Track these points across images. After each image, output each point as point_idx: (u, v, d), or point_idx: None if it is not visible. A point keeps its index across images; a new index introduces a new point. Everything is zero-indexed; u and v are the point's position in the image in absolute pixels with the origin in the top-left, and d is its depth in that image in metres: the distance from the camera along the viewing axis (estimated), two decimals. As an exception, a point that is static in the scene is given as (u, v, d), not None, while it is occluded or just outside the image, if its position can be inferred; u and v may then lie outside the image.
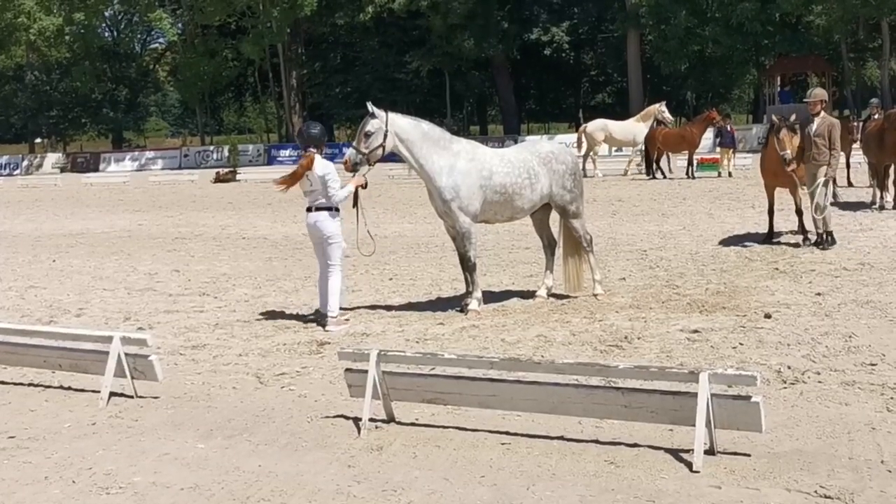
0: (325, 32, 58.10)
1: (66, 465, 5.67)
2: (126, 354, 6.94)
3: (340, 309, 9.46)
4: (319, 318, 9.53)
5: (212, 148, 55.83)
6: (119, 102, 64.81)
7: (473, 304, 9.73)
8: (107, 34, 66.74)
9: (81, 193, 35.38)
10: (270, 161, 51.63)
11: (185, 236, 18.43)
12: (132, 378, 7.00)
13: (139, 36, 71.53)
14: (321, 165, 9.38)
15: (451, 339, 8.61)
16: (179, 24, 61.98)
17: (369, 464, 5.52)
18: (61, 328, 8.12)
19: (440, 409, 6.32)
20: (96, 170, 52.38)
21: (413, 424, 6.17)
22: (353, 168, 9.59)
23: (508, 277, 11.89)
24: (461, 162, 9.63)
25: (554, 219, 10.59)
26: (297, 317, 9.95)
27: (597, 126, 31.52)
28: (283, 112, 60.10)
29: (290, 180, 9.50)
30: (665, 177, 27.84)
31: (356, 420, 6.21)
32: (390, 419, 6.21)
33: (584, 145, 31.15)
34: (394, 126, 9.75)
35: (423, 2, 49.04)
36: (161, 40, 74.30)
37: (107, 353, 6.97)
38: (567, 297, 10.29)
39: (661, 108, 29.87)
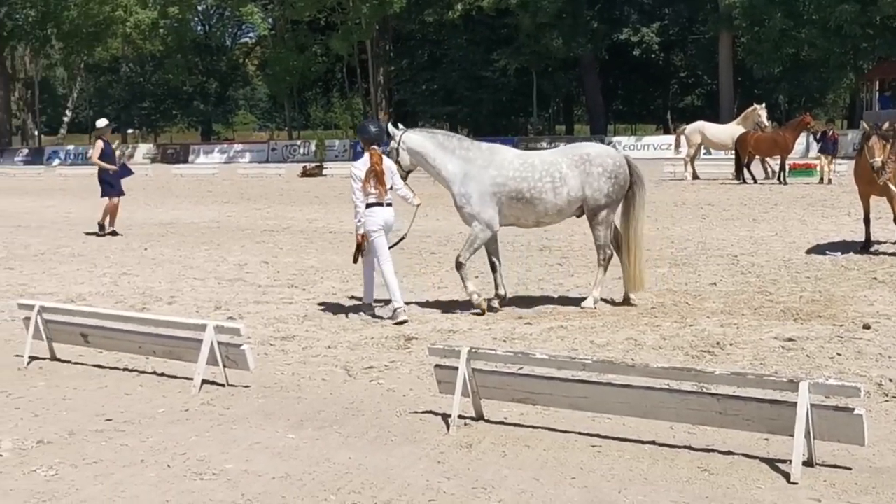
0: (413, 29, 58.41)
1: (160, 449, 5.76)
2: (219, 343, 7.03)
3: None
4: (366, 309, 9.87)
5: (298, 142, 56.50)
6: (209, 95, 65.98)
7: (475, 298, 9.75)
8: (199, 28, 68.00)
9: (171, 184, 36.08)
10: (356, 157, 51.92)
11: (274, 229, 18.64)
12: (224, 366, 7.09)
13: (230, 30, 72.73)
14: (387, 161, 9.79)
15: (539, 338, 8.56)
16: (270, 19, 62.83)
17: (459, 461, 5.51)
18: (157, 315, 8.26)
19: (529, 408, 6.28)
20: (186, 161, 53.36)
21: (502, 423, 6.14)
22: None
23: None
24: (474, 169, 9.73)
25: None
26: (384, 311, 9.97)
27: (694, 128, 31.13)
28: (369, 108, 60.50)
29: (382, 181, 9.61)
30: (756, 181, 27.35)
31: (445, 416, 6.20)
32: (479, 417, 6.19)
33: (683, 147, 30.76)
34: (405, 143, 9.98)
35: (513, 0, 48.95)
36: (251, 35, 75.48)
37: (200, 341, 7.07)
38: (643, 301, 10.16)
39: (759, 112, 29.35)
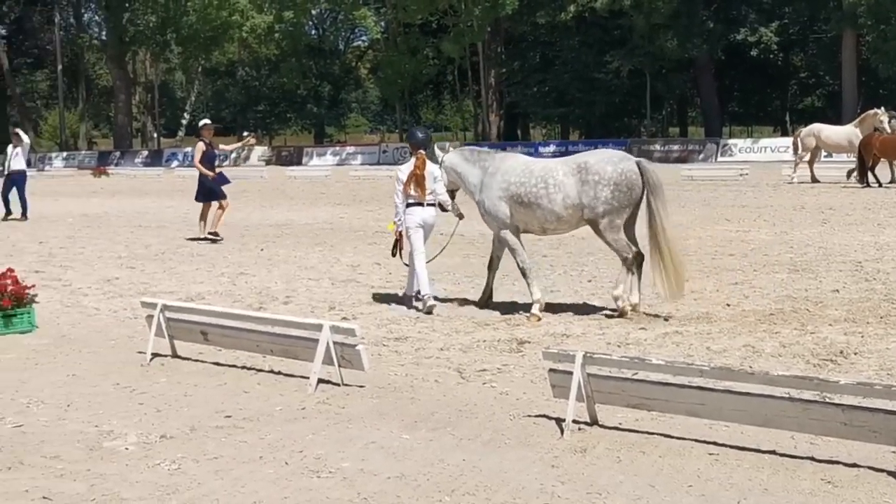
0: (524, 31, 58.28)
1: (278, 446, 5.86)
2: (335, 343, 7.12)
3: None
4: (407, 301, 10.64)
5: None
6: (322, 98, 66.94)
7: (535, 308, 9.78)
8: (312, 32, 69.12)
9: (285, 186, 36.77)
10: (466, 159, 52.12)
11: (386, 231, 18.78)
12: (339, 366, 7.17)
13: (343, 34, 73.71)
14: (431, 166, 10.54)
15: (654, 344, 8.44)
16: (382, 23, 63.51)
17: (573, 465, 5.46)
18: (274, 315, 8.40)
19: (643, 414, 6.19)
20: (299, 163, 54.29)
21: (616, 428, 6.08)
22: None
23: (713, 284, 11.56)
24: (487, 177, 10.18)
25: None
26: (496, 314, 9.97)
27: (809, 131, 30.37)
28: (479, 110, 60.64)
29: (421, 184, 10.46)
30: (881, 185, 26.51)
31: (559, 420, 6.16)
32: (593, 422, 6.13)
33: (800, 150, 30.03)
34: (445, 163, 10.60)
35: (626, 1, 48.51)
36: (363, 38, 76.45)
37: (316, 340, 7.17)
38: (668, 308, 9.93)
39: (880, 118, 28.42)
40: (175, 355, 8.23)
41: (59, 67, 70.54)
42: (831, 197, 24.15)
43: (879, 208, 20.66)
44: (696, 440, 5.79)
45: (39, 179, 46.79)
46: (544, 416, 6.35)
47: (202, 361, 8.10)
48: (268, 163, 55.24)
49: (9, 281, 9.52)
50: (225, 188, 17.97)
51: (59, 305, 10.92)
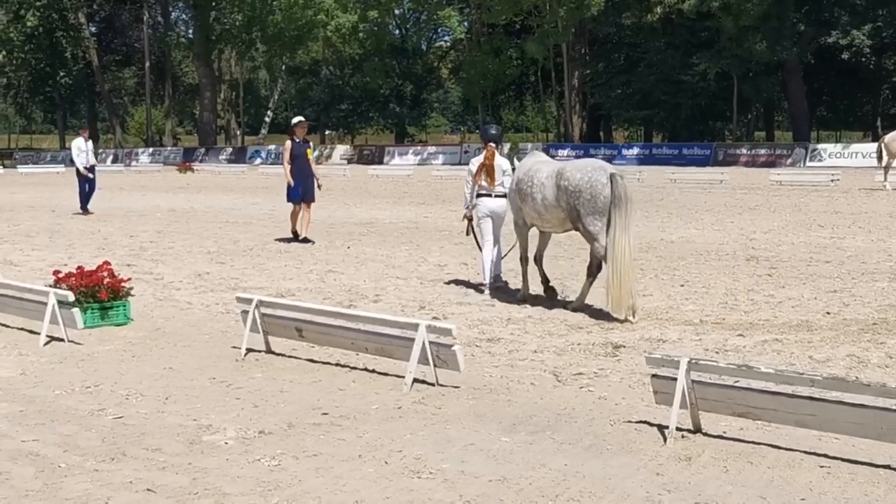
0: (610, 32, 57.80)
1: (377, 445, 5.82)
2: (430, 343, 7.06)
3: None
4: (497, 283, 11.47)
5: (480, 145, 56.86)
6: (405, 98, 67.17)
7: (520, 294, 10.98)
8: (396, 32, 69.43)
9: (368, 184, 36.96)
10: (548, 160, 51.91)
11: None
12: (434, 366, 7.11)
13: (425, 34, 73.89)
14: (500, 159, 11.37)
15: (754, 351, 8.23)
16: (466, 23, 63.52)
17: (678, 473, 5.32)
18: (370, 313, 8.38)
19: (748, 423, 6.02)
20: (381, 162, 54.58)
21: (721, 437, 5.91)
22: None
23: (810, 291, 11.26)
24: (515, 174, 11.01)
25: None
26: (589, 316, 9.84)
27: (893, 137, 29.53)
28: (562, 112, 60.29)
29: (491, 175, 11.26)
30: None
31: (660, 427, 6.03)
32: (697, 430, 5.98)
33: (885, 157, 29.25)
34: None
35: (715, 2, 47.71)
36: (446, 38, 76.57)
37: (412, 339, 7.12)
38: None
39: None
40: (269, 351, 8.25)
41: (147, 65, 71.96)
42: (927, 204, 23.46)
43: (980, 217, 20.02)
44: (806, 452, 5.60)
45: (127, 175, 47.84)
46: (645, 422, 6.22)
47: (296, 358, 8.11)
48: (349, 161, 55.66)
49: (105, 273, 9.66)
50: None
51: (153, 299, 11.05)
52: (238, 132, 72.48)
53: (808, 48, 52.57)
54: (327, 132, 73.71)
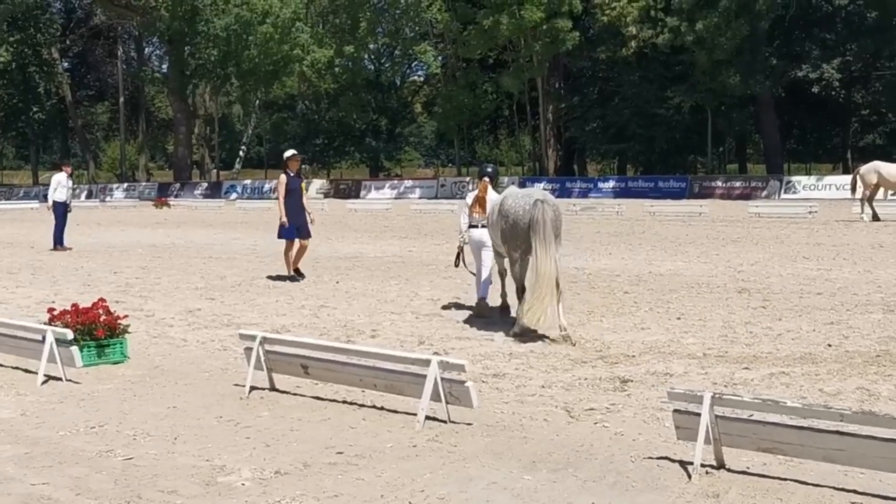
0: (584, 66, 58.21)
1: (398, 485, 5.70)
2: (443, 379, 6.96)
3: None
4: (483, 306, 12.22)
5: (468, 178, 56.90)
6: (380, 132, 67.27)
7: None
8: (370, 66, 69.62)
9: (347, 218, 36.85)
10: (524, 193, 51.98)
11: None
12: (447, 403, 7.01)
13: (399, 69, 74.09)
14: (492, 193, 12.07)
15: (762, 385, 8.19)
16: (441, 57, 63.78)
17: (709, 512, 5.24)
18: (379, 349, 8.27)
19: (770, 458, 5.96)
20: (358, 196, 54.51)
21: (745, 473, 5.84)
22: None
23: (807, 323, 11.25)
24: None
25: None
26: (590, 351, 9.78)
27: (868, 168, 29.87)
28: (537, 146, 60.55)
29: (483, 206, 11.99)
30: (954, 224, 25.94)
31: (682, 463, 5.96)
32: (720, 465, 5.91)
33: (859, 189, 29.54)
34: None
35: (689, 37, 48.17)
36: (420, 73, 76.87)
37: (422, 376, 7.02)
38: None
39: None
40: (273, 388, 8.13)
41: (121, 100, 71.70)
42: (907, 236, 23.63)
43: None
44: (834, 487, 5.54)
45: (103, 210, 47.49)
46: (666, 458, 6.14)
47: (301, 395, 7.98)
48: (326, 195, 55.54)
49: (101, 311, 9.50)
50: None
51: (146, 336, 10.88)
52: (212, 167, 72.23)
53: (779, 82, 53.13)
54: (304, 166, 73.63)
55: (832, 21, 56.13)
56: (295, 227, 16.20)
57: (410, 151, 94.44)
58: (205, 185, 64.83)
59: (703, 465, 5.86)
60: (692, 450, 6.10)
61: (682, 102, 52.03)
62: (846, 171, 61.58)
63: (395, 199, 52.55)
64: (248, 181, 63.10)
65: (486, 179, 12.17)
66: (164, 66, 72.54)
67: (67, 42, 76.22)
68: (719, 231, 26.77)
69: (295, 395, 8.01)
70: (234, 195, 58.61)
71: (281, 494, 5.56)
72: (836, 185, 47.00)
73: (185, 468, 6.07)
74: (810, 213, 32.04)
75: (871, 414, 5.54)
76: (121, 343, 9.46)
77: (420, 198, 52.82)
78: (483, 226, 11.96)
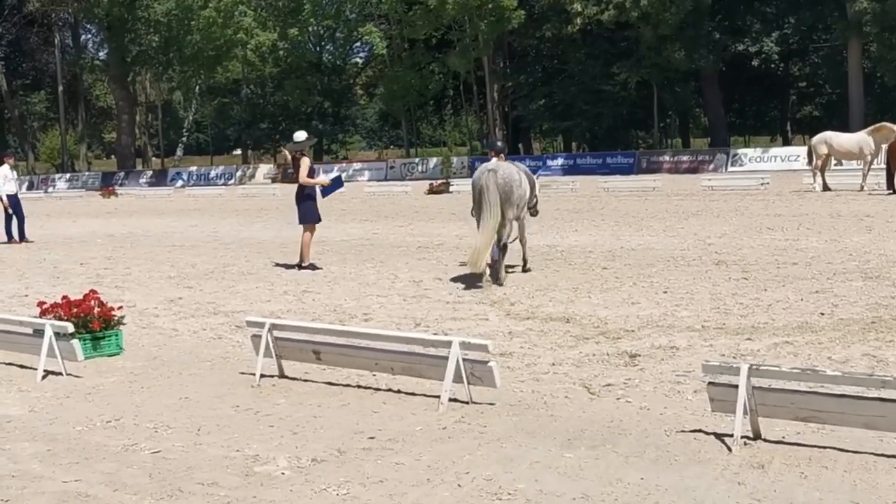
0: (530, 45, 58.22)
1: (440, 468, 5.65)
2: (464, 360, 6.92)
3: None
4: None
5: (417, 160, 56.80)
6: (327, 115, 66.74)
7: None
8: (314, 49, 68.92)
9: (302, 203, 36.42)
10: (472, 172, 51.97)
11: (427, 245, 18.63)
12: (468, 384, 6.97)
13: (343, 51, 73.45)
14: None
15: (770, 355, 8.25)
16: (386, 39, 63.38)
17: (759, 482, 5.26)
18: (396, 332, 8.20)
19: (803, 427, 6.02)
20: (307, 180, 53.95)
21: (782, 442, 5.88)
22: None
23: (793, 293, 11.37)
24: None
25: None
26: (588, 327, 9.79)
27: (819, 139, 30.29)
28: (485, 125, 60.54)
29: None
30: (906, 192, 26.41)
31: (717, 435, 6.00)
32: (756, 436, 5.94)
33: (815, 159, 29.95)
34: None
35: (634, 12, 48.40)
36: (361, 55, 76.33)
37: (443, 357, 6.97)
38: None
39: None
40: (282, 375, 8.02)
41: (60, 89, 70.29)
42: (861, 204, 24.02)
43: (920, 215, 20.56)
44: (874, 454, 5.59)
45: (48, 201, 46.61)
46: (700, 430, 6.16)
47: (313, 381, 7.88)
48: (273, 181, 55.00)
49: (93, 302, 9.31)
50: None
51: (135, 327, 10.67)
52: (153, 156, 71.22)
53: (722, 56, 53.62)
54: (250, 151, 72.87)
55: (773, -6, 56.80)
56: (316, 212, 15.75)
57: (353, 134, 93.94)
58: (149, 173, 63.94)
59: (741, 437, 5.88)
60: (724, 422, 6.16)
61: (628, 78, 52.32)
62: (786, 143, 62.62)
63: (347, 182, 52.04)
64: (193, 168, 62.37)
65: (502, 155, 13.85)
66: (102, 54, 71.25)
67: (0, 30, 74.43)
68: (677, 205, 26.98)
69: (306, 381, 7.91)
70: (179, 182, 57.86)
71: (324, 482, 5.48)
72: (780, 156, 47.72)
73: (217, 459, 5.96)
74: (762, 185, 32.43)
75: (913, 380, 5.59)
76: (116, 335, 9.27)
77: (369, 180, 52.52)
78: None
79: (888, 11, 45.25)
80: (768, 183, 32.63)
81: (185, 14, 56.18)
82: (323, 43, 70.68)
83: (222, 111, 68.58)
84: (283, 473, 5.66)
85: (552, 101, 57.24)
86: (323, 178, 16.60)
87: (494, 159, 13.53)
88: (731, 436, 5.90)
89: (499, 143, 15.28)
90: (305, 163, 15.73)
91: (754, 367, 5.80)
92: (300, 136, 16.04)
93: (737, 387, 5.78)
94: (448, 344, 6.97)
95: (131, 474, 5.75)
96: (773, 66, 60.28)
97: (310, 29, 65.04)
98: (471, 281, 13.23)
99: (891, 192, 26.57)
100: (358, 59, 78.19)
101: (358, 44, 71.57)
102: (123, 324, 9.47)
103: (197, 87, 69.27)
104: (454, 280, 13.53)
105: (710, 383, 6.07)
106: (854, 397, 5.62)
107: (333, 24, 64.30)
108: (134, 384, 8.05)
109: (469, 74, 58.24)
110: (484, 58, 56.03)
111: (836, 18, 50.96)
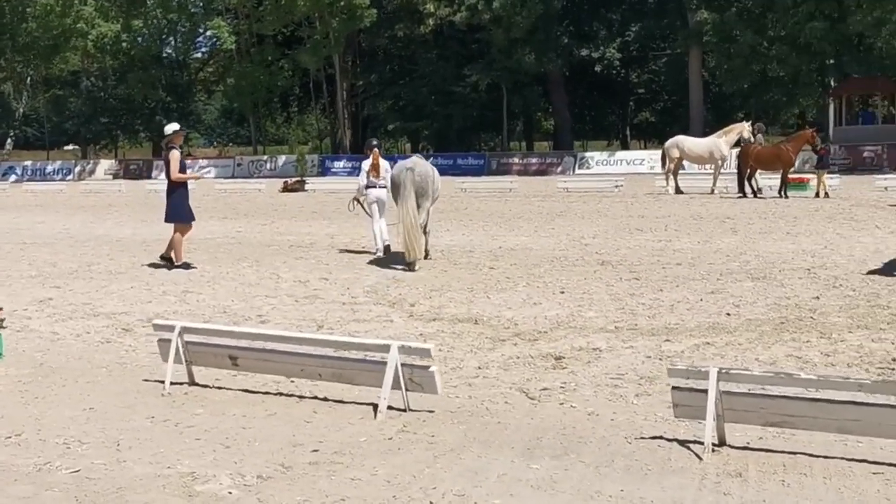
0: (381, 44, 57.89)
1: (402, 483, 5.23)
2: (403, 365, 6.51)
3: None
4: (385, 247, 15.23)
5: (265, 158, 55.60)
6: (171, 111, 64.67)
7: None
8: (158, 42, 66.71)
9: (151, 200, 34.93)
10: (325, 172, 51.30)
11: (300, 244, 18.03)
12: (406, 390, 6.56)
13: (182, 45, 71.37)
14: (383, 161, 15.59)
15: (696, 356, 8.13)
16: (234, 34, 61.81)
17: (743, 491, 5.05)
18: (326, 336, 7.69)
19: (765, 432, 5.87)
20: (150, 177, 52.25)
21: (747, 448, 5.70)
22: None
23: (690, 294, 11.38)
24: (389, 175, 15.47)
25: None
26: (500, 328, 9.50)
27: (671, 143, 31.12)
28: (337, 123, 59.82)
29: (377, 170, 15.38)
30: (755, 195, 27.26)
31: (681, 442, 5.78)
32: (722, 443, 5.74)
33: (668, 162, 30.69)
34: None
35: (486, 15, 48.67)
36: (203, 50, 74.31)
37: (379, 363, 6.55)
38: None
39: (745, 129, 29.52)
40: (193, 383, 7.41)
41: None
42: (717, 207, 24.61)
43: (776, 217, 21.12)
44: (846, 459, 5.47)
45: None
46: (660, 437, 5.93)
47: (228, 389, 7.30)
48: (115, 176, 52.93)
49: (-33, 304, 8.45)
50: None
51: (9, 330, 9.76)
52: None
53: (568, 60, 54.56)
54: (68, 147, 69.90)
55: (619, 1, 58.11)
56: (188, 208, 15.14)
57: (193, 130, 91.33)
58: (-24, 167, 60.51)
59: (699, 443, 5.67)
60: (683, 427, 5.98)
61: (478, 80, 52.59)
62: (625, 148, 64.35)
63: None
64: (28, 162, 59.33)
65: (376, 150, 15.59)
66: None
67: None
68: (538, 206, 27.11)
69: (220, 388, 7.33)
70: (13, 177, 54.97)
71: (278, 501, 4.99)
72: (626, 160, 48.89)
73: (148, 478, 5.37)
74: (617, 187, 33.00)
75: (891, 382, 5.50)
76: (-5, 340, 8.45)
77: (216, 178, 51.06)
78: (381, 186, 15.33)
79: (727, 22, 46.95)
80: (622, 185, 33.22)
81: (20, 0, 53.36)
82: (164, 36, 68.49)
83: (58, 104, 65.52)
84: (230, 493, 5.14)
85: (403, 102, 57.03)
86: (196, 174, 15.88)
87: (413, 157, 15.07)
88: (695, 442, 5.71)
89: (374, 142, 16.15)
90: (175, 157, 14.84)
91: (724, 370, 5.60)
92: (170, 127, 15.18)
93: (705, 391, 5.57)
94: (386, 348, 6.54)
95: (53, 498, 5.11)
96: (614, 72, 61.77)
97: (153, 22, 62.88)
98: (359, 282, 12.82)
99: (741, 195, 27.39)
100: (199, 55, 76.13)
101: (200, 38, 69.74)
102: (4, 328, 8.64)
103: (29, 79, 65.97)
104: (341, 280, 13.06)
105: (674, 388, 5.85)
106: (828, 401, 5.48)
107: (177, 18, 62.22)
108: (26, 394, 7.29)
109: (319, 72, 57.43)
110: (334, 56, 55.35)
111: (678, 28, 52.57)
